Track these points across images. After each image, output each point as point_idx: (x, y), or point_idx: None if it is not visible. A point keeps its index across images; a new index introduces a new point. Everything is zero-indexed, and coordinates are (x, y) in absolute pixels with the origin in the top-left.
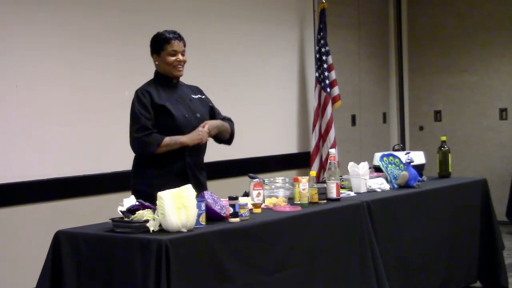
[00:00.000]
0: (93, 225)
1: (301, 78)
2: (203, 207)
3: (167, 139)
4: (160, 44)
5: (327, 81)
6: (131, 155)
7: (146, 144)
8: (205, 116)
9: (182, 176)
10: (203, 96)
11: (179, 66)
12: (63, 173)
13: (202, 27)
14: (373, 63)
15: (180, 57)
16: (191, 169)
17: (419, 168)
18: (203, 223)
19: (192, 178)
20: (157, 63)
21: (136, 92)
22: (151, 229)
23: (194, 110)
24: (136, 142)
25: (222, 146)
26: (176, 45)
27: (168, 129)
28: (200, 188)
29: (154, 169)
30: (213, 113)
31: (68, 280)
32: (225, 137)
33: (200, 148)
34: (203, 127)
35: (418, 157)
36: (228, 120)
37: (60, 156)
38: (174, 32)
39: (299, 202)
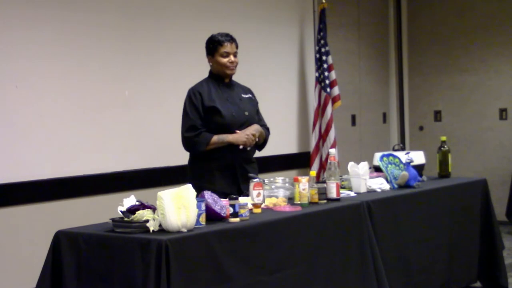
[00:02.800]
0: (93, 225)
1: (301, 78)
2: (203, 207)
3: (215, 138)
4: (214, 46)
5: (327, 81)
6: (131, 155)
7: (195, 143)
8: (253, 115)
9: (230, 170)
10: (253, 97)
11: (232, 66)
12: (63, 173)
13: (202, 27)
14: (373, 63)
15: (232, 58)
16: (239, 163)
17: (419, 168)
18: (203, 223)
19: (239, 172)
20: (211, 64)
21: (188, 92)
22: (151, 229)
23: (243, 108)
24: (186, 142)
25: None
26: (228, 47)
27: (217, 127)
28: (248, 181)
29: (204, 163)
30: (258, 118)
31: (68, 280)
32: (258, 142)
33: None
34: (252, 133)
35: (418, 157)
36: (266, 129)
37: (60, 156)
38: (227, 35)
39: (299, 202)
